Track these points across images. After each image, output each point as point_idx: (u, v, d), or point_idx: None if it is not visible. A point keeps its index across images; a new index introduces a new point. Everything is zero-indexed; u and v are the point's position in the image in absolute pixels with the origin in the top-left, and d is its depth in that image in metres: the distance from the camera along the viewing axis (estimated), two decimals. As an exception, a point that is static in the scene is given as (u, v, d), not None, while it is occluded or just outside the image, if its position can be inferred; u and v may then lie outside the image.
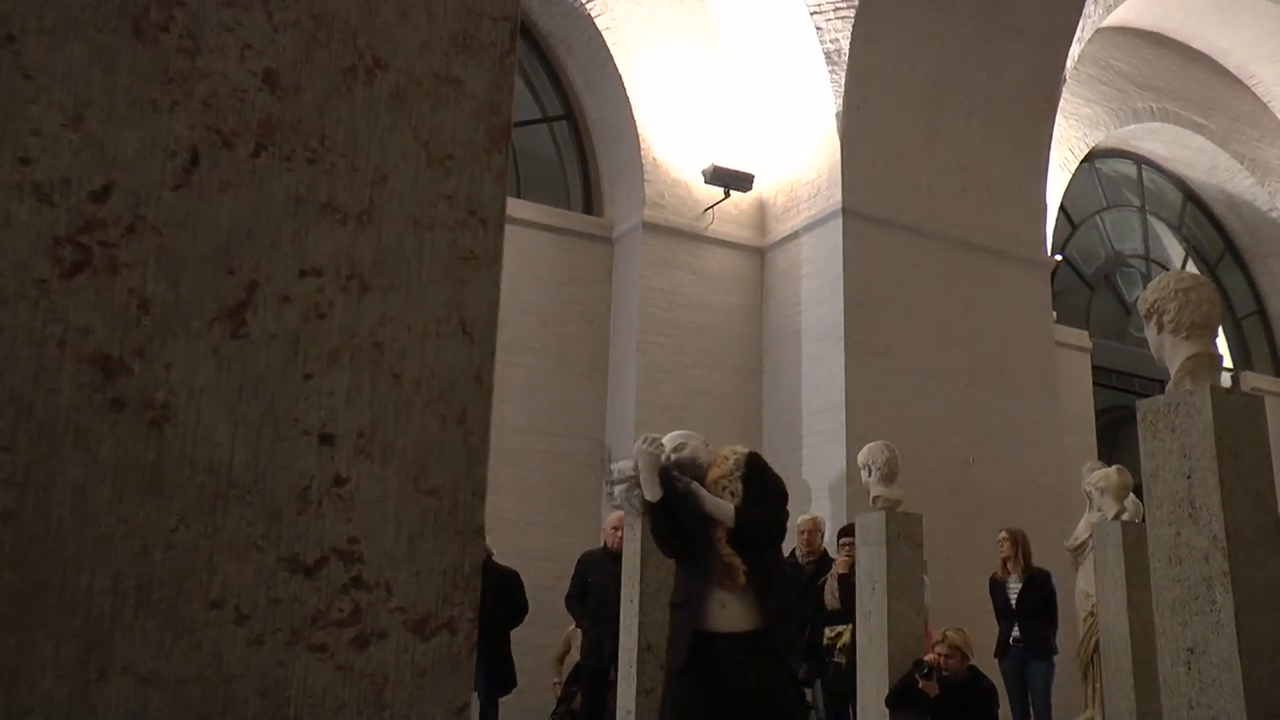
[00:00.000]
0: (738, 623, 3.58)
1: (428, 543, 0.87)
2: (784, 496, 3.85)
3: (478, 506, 0.91)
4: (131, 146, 0.84)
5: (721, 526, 3.65)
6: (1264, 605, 3.72)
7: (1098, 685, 7.94)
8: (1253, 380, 13.04)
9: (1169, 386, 4.32)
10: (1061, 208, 12.25)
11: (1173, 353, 4.37)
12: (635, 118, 10.02)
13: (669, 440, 4.10)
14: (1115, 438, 12.31)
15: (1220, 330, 13.68)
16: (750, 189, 10.27)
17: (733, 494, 3.73)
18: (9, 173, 0.80)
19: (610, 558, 6.78)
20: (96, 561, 0.78)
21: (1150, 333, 4.43)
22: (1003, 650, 7.59)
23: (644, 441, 4.02)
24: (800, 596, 7.20)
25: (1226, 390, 3.95)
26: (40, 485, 0.77)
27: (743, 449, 4.02)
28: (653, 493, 3.79)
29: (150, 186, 0.84)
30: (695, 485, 3.77)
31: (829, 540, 7.66)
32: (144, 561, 0.79)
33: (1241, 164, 13.86)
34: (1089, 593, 7.84)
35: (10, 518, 0.76)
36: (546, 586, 7.78)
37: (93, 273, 0.82)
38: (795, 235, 10.13)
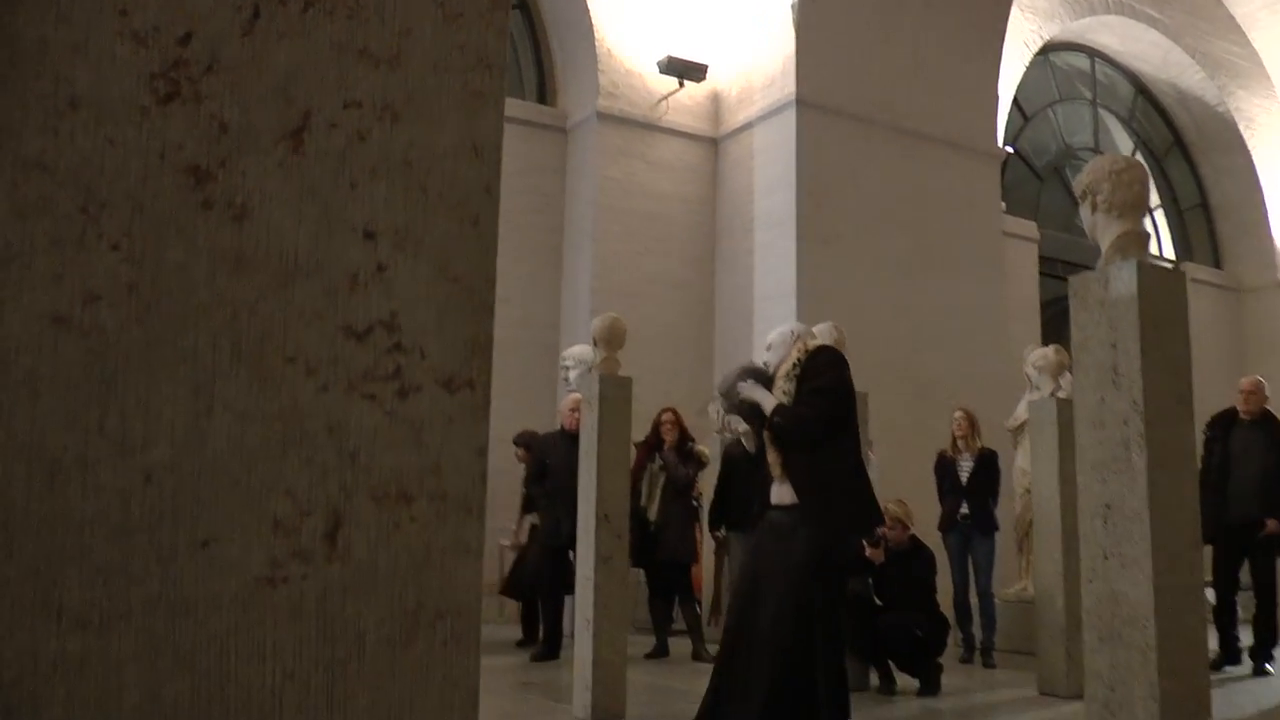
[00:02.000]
0: (782, 498, 4.18)
1: (451, 317, 1.11)
2: (827, 392, 4.18)
3: (489, 291, 1.14)
4: (206, 3, 1.05)
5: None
6: (1173, 464, 4.05)
7: (1031, 558, 8.40)
8: (1193, 271, 13.44)
9: (1099, 262, 4.61)
10: (1015, 101, 12.44)
11: (1104, 231, 4.65)
12: (589, 7, 10.04)
13: (770, 338, 4.57)
14: (1060, 327, 12.70)
15: (1160, 215, 13.97)
16: (704, 79, 10.37)
17: (785, 393, 4.18)
18: (112, 22, 1.01)
19: (568, 439, 7.06)
20: (199, 324, 1.01)
21: (1084, 212, 4.70)
22: (948, 525, 8.01)
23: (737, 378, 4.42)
24: (753, 474, 7.57)
25: (1151, 265, 4.23)
26: (153, 263, 1.00)
27: (813, 342, 4.42)
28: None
29: (222, 34, 1.05)
30: (751, 389, 4.27)
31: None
32: (234, 325, 1.02)
33: (1193, 58, 14.08)
34: (1026, 470, 8.26)
35: (133, 288, 0.99)
36: (504, 471, 8.05)
37: (181, 101, 1.03)
38: (749, 125, 10.26)
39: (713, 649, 8.17)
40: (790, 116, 9.74)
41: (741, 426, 6.18)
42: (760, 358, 4.55)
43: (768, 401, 4.18)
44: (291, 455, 1.02)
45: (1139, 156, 14.13)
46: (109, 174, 1.00)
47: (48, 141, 0.98)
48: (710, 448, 8.21)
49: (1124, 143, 14.33)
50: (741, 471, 7.65)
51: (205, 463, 0.99)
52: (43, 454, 0.94)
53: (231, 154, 1.04)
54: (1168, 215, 14.51)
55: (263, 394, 1.02)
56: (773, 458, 4.19)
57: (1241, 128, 14.24)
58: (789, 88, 9.73)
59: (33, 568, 0.92)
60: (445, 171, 1.13)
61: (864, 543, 6.19)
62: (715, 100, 10.58)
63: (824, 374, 4.20)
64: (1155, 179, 13.97)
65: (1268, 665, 7.49)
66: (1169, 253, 14.15)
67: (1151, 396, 4.03)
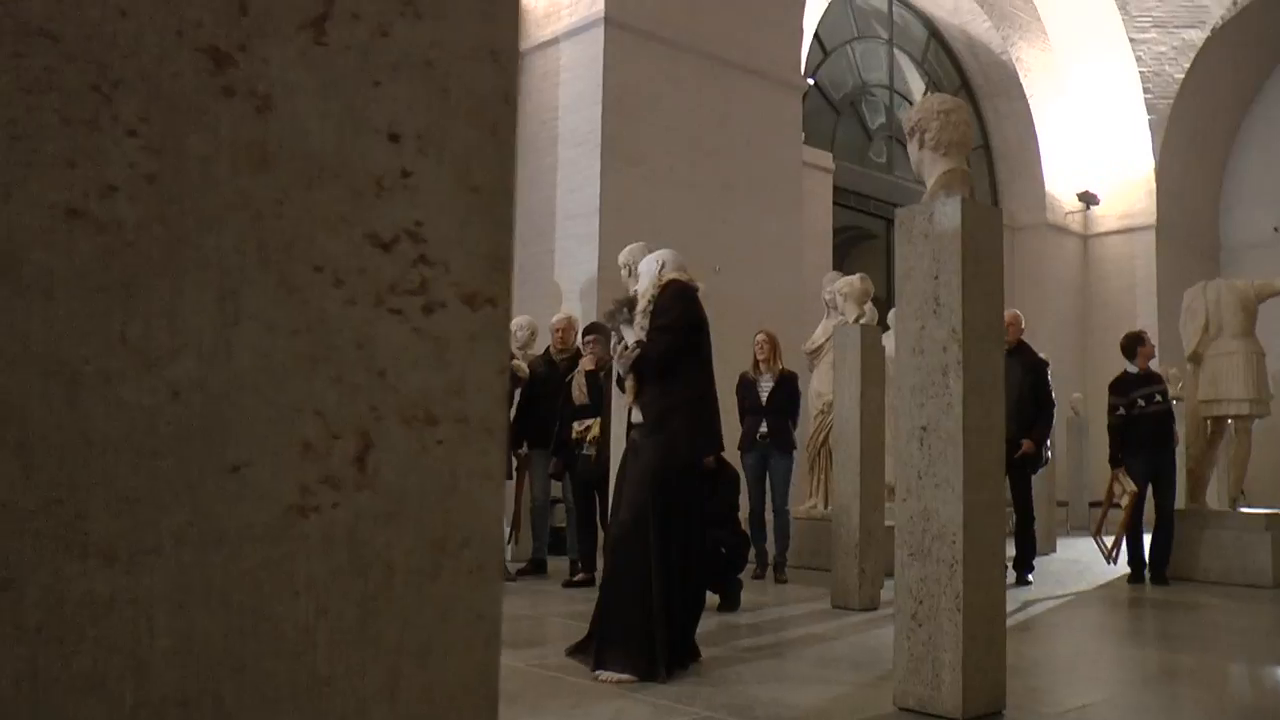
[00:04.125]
0: (637, 418, 4.72)
1: (473, 230, 1.04)
2: (668, 330, 4.61)
3: (509, 204, 1.08)
4: None
5: None
6: (985, 390, 4.30)
7: (822, 477, 8.81)
8: (968, 208, 14.17)
9: (924, 197, 4.80)
10: (815, 35, 12.72)
11: (930, 167, 4.83)
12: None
13: (640, 266, 5.12)
14: (848, 254, 13.23)
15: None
16: (515, -10, 10.09)
17: (642, 328, 4.64)
18: None
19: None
20: (222, 224, 0.91)
21: (912, 149, 4.86)
22: (747, 444, 8.27)
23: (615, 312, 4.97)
24: (555, 391, 7.61)
25: (974, 202, 4.43)
26: (173, 153, 0.89)
27: (665, 275, 4.80)
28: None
29: (235, -102, 0.94)
30: (624, 329, 4.83)
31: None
32: (259, 227, 0.93)
33: (981, 8, 14.73)
34: (821, 392, 8.62)
35: (154, 179, 0.88)
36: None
37: (196, -28, 0.92)
38: (555, 41, 10.11)
39: (514, 567, 8.21)
40: (598, 34, 9.65)
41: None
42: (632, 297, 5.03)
43: (630, 339, 4.64)
44: (321, 372, 0.95)
45: (930, 96, 14.72)
46: (122, 48, 0.88)
47: (52, 6, 0.85)
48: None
49: (916, 83, 14.93)
50: (544, 390, 7.66)
51: (233, 378, 0.90)
52: (61, 366, 0.83)
53: (252, 37, 0.94)
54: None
55: (290, 305, 0.94)
56: (630, 384, 4.61)
57: (1021, 76, 15.07)
58: (597, 5, 9.62)
59: (54, 497, 0.82)
60: (466, 75, 1.06)
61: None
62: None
63: (669, 310, 4.59)
64: (938, 119, 14.61)
65: (1028, 576, 8.16)
66: (948, 190, 14.88)
67: (969, 326, 4.25)
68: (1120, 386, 8.42)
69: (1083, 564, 10.07)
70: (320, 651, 0.94)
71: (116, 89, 0.87)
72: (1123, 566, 8.79)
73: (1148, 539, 8.45)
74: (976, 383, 4.28)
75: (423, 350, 1.01)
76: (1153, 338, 8.80)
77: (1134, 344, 8.33)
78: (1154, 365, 8.51)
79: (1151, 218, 15.83)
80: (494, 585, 1.04)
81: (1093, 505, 12.58)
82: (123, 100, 0.88)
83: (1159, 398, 8.15)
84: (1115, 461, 8.34)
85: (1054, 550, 11.45)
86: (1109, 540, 8.74)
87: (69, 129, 0.85)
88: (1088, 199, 16.01)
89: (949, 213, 4.38)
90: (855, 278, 7.60)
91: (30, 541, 0.82)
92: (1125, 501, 8.01)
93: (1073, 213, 16.09)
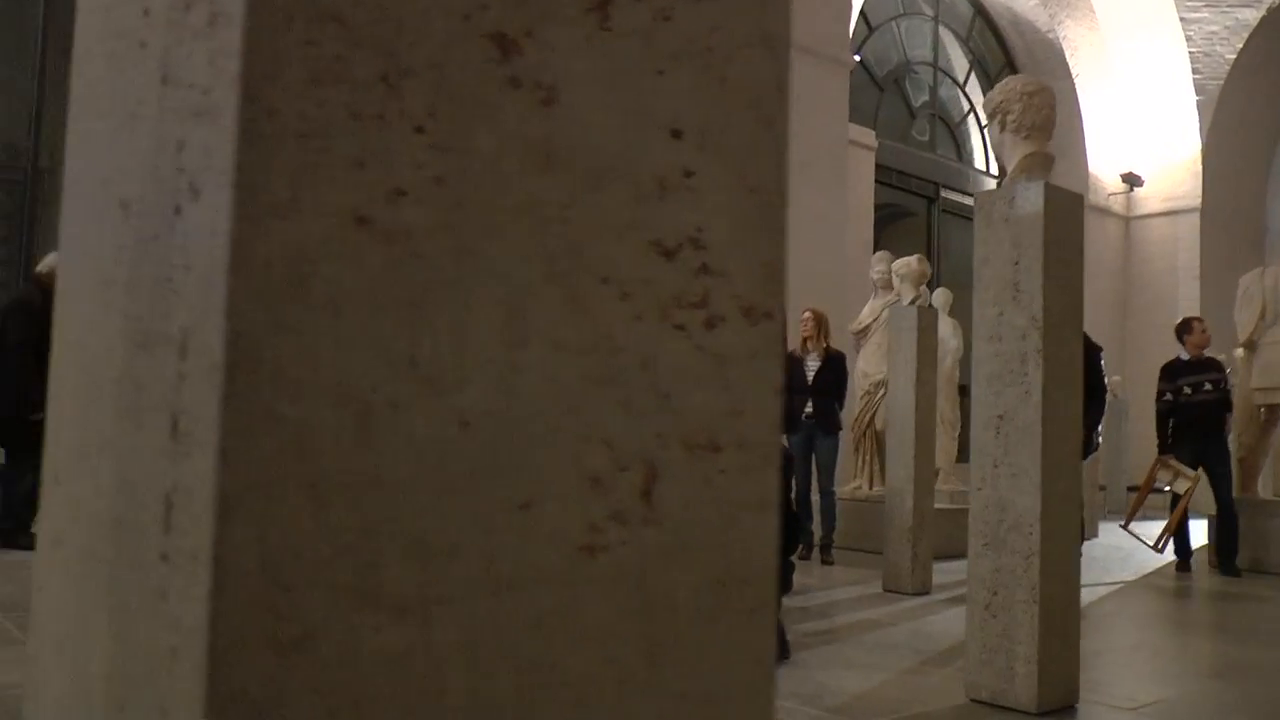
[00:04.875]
0: None
1: (751, 236, 0.94)
2: None
3: (784, 207, 0.97)
4: None
5: None
6: (1064, 378, 4.18)
7: (867, 458, 8.70)
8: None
9: (1006, 181, 4.66)
10: (861, 11, 12.53)
11: (1012, 151, 4.70)
12: None
13: None
14: (883, 232, 13.08)
15: (988, 134, 14.46)
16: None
17: None
18: None
19: None
20: (509, 230, 0.81)
21: (993, 131, 4.73)
22: (793, 424, 8.18)
23: None
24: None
25: (1056, 187, 4.30)
26: (460, 152, 0.79)
27: None
28: None
29: None
30: None
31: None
32: (545, 235, 0.83)
33: (1027, -16, 14.49)
34: (867, 373, 8.50)
35: (442, 181, 0.78)
36: None
37: (476, -52, 0.81)
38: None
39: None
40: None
41: None
42: None
43: None
44: (608, 397, 0.85)
45: (974, 75, 14.54)
46: (409, 34, 0.78)
47: (340, -13, 0.75)
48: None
49: (960, 61, 14.72)
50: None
51: (521, 406, 0.80)
52: (350, 395, 0.74)
53: (537, 22, 0.83)
54: (990, 133, 15.03)
55: (578, 321, 0.84)
56: None
57: (1067, 54, 14.83)
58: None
59: (347, 544, 0.73)
60: (743, 63, 0.95)
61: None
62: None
63: None
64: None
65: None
66: (995, 168, 14.71)
67: (1050, 313, 4.13)
68: (1169, 372, 8.28)
69: (1125, 550, 9.96)
70: (607, 703, 0.84)
71: (404, 80, 0.77)
72: (1169, 554, 8.69)
73: (1195, 528, 8.34)
74: (1056, 372, 4.17)
75: (705, 370, 0.90)
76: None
77: (1180, 331, 8.19)
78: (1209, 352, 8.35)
79: (1196, 200, 15.59)
80: (769, 629, 0.94)
81: (1131, 490, 12.46)
82: (410, 92, 0.77)
83: (1208, 386, 8.00)
84: (1162, 448, 8.23)
85: (1095, 535, 11.34)
86: (1140, 528, 8.63)
87: (358, 125, 0.75)
88: (1131, 180, 15.78)
89: (1031, 198, 4.26)
90: (913, 259, 7.47)
91: (324, 594, 0.72)
92: (1184, 488, 7.88)
93: (1115, 194, 15.86)
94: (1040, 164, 4.61)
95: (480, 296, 0.79)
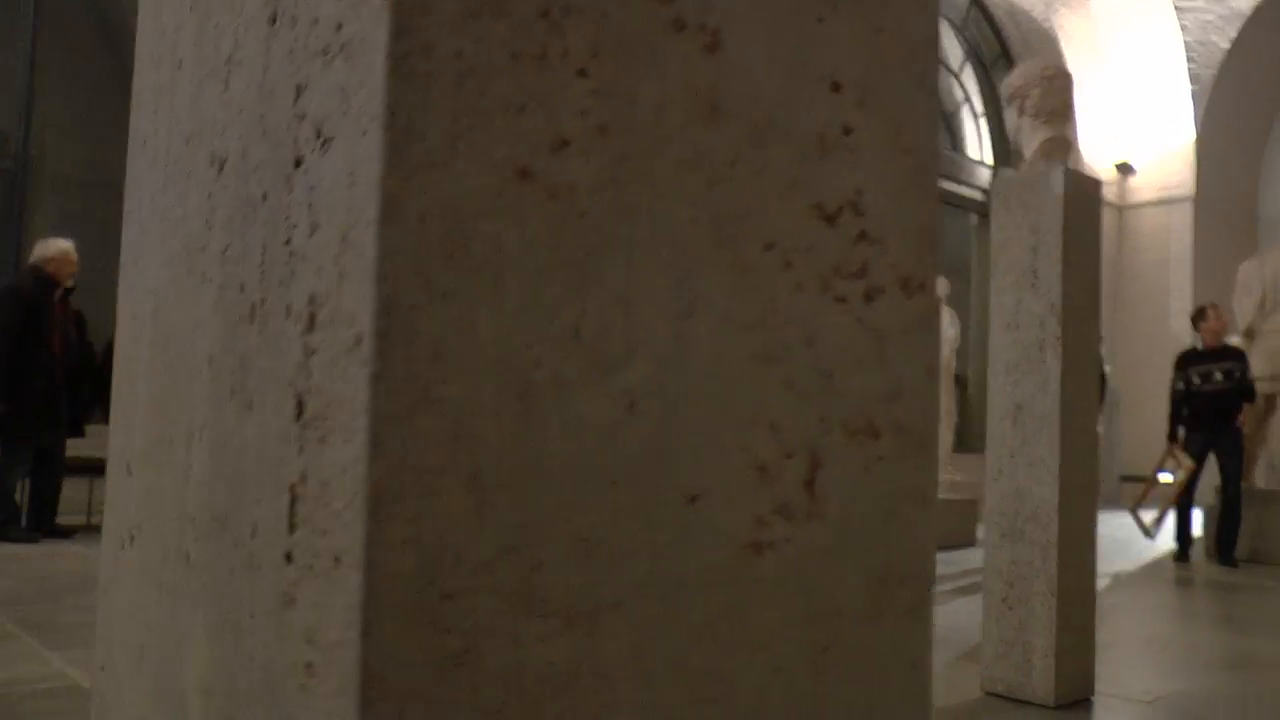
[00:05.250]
0: None
1: (907, 201, 0.85)
2: None
3: (937, 172, 0.89)
4: None
5: None
6: (1082, 367, 4.12)
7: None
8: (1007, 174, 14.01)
9: (1023, 166, 4.59)
10: None
11: (1030, 135, 4.61)
12: None
13: None
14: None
15: (982, 122, 14.46)
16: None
17: None
18: None
19: None
20: (675, 188, 0.72)
21: (1010, 115, 4.64)
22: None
23: None
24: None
25: (1076, 172, 4.23)
26: (625, 99, 0.70)
27: None
28: None
29: None
30: None
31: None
32: (711, 193, 0.74)
33: (1023, -28, 14.43)
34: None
35: (605, 131, 0.69)
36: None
37: None
38: None
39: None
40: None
41: None
42: None
43: None
44: (772, 375, 0.76)
45: (969, 64, 14.51)
46: (570, -35, 0.68)
47: (495, -92, 0.66)
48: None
49: (955, 50, 14.66)
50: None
51: (687, 385, 0.71)
52: (512, 372, 0.64)
53: (699, -44, 0.74)
54: (989, 122, 14.99)
55: (743, 292, 0.75)
56: None
57: (1061, 43, 14.80)
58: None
59: (509, 544, 0.64)
60: (897, 13, 0.86)
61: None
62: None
63: None
64: (981, 86, 14.42)
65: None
66: (989, 158, 14.68)
67: (1069, 301, 4.06)
68: (1182, 361, 8.22)
69: (1120, 540, 9.95)
70: (775, 718, 0.75)
71: (567, 16, 0.68)
72: (1164, 543, 8.67)
73: (1196, 518, 8.30)
74: (1075, 361, 4.10)
75: (865, 347, 0.82)
76: (1187, 312, 8.57)
77: (1195, 319, 8.14)
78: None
79: (1189, 189, 15.58)
80: (928, 629, 0.86)
81: (1124, 480, 12.45)
82: (573, 31, 0.68)
83: (1219, 375, 7.94)
84: (1171, 437, 8.18)
85: (1090, 525, 11.30)
86: (1147, 516, 8.60)
87: (518, 66, 0.66)
88: (1125, 169, 15.76)
89: (1050, 182, 4.17)
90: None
91: (487, 600, 0.63)
92: (1180, 477, 7.85)
93: (1109, 183, 15.85)
94: (1059, 148, 4.53)
95: (647, 262, 0.70)
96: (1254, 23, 14.14)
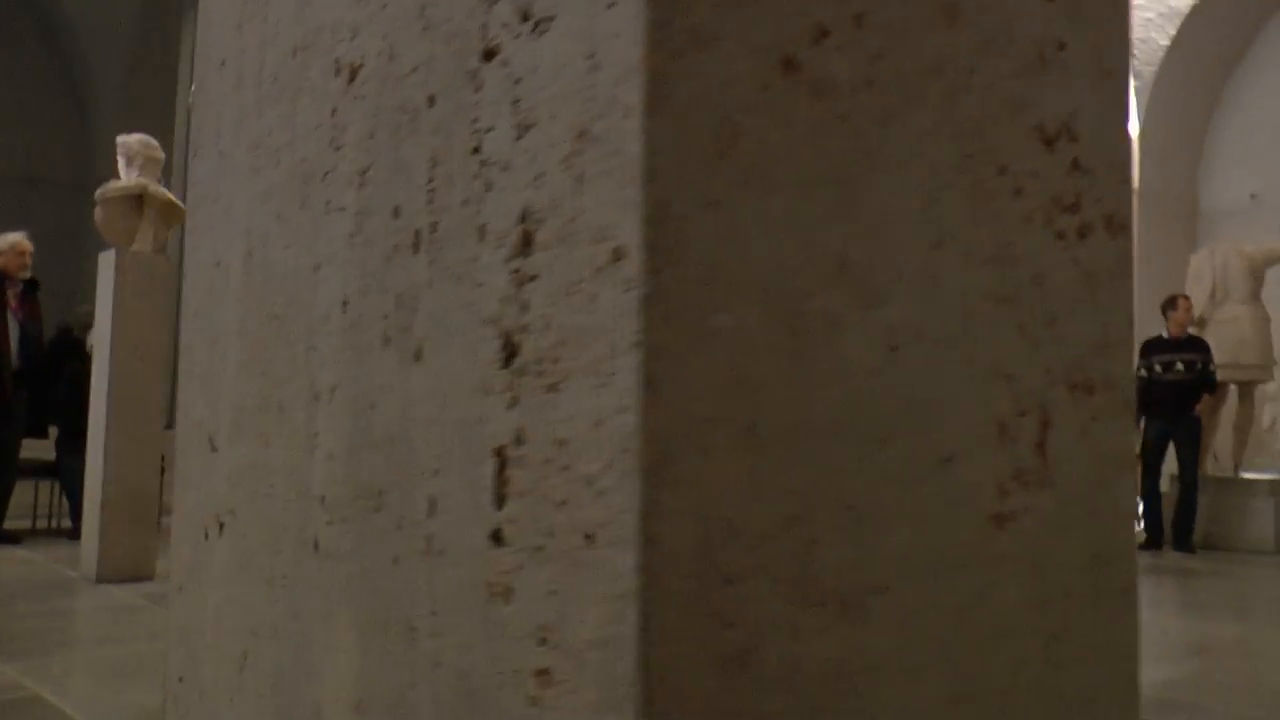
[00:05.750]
0: None
1: (1109, 129, 0.76)
2: None
3: (1128, 98, 0.80)
4: None
5: None
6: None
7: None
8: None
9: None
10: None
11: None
12: None
13: None
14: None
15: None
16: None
17: None
18: None
19: None
20: (925, 96, 0.61)
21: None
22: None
23: None
24: None
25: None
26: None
27: None
28: None
29: None
30: None
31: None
32: (953, 106, 0.63)
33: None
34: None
35: (861, 21, 0.57)
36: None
37: None
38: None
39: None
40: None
41: None
42: None
43: None
44: (1007, 319, 0.66)
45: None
46: None
47: None
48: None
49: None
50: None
51: (941, 327, 0.61)
52: (783, 304, 0.53)
53: None
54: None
55: (981, 221, 0.64)
56: None
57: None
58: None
59: (786, 513, 0.52)
60: (1094, -89, 0.76)
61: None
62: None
63: None
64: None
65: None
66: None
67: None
68: (1146, 349, 8.28)
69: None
70: (1017, 716, 0.65)
71: (822, -126, 0.56)
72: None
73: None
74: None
75: (1081, 290, 0.72)
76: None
77: (1165, 308, 8.23)
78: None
79: (1134, 183, 15.95)
80: (1137, 613, 0.76)
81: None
82: (828, -105, 0.56)
83: (1180, 366, 8.04)
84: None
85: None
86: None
87: (779, -70, 0.54)
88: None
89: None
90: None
91: (766, 585, 0.51)
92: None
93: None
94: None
95: (902, 179, 0.59)
96: (1192, 20, 14.63)
